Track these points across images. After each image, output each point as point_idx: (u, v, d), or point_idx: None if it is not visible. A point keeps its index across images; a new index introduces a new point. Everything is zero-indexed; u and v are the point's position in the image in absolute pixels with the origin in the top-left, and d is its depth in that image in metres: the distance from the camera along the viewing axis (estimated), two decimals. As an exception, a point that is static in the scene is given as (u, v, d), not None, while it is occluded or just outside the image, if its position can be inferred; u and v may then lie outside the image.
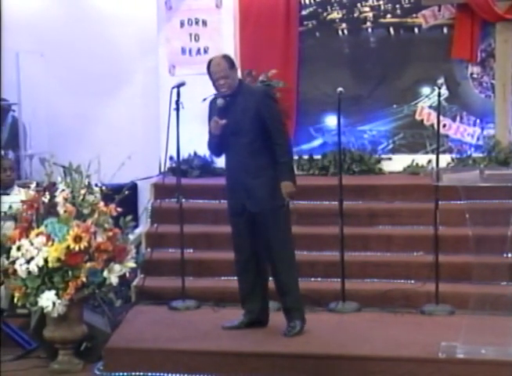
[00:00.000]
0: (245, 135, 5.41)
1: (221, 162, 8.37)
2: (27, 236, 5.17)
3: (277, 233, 5.45)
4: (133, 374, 5.28)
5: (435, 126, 7.39)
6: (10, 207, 5.65)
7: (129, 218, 5.37)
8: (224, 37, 8.47)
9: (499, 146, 7.96)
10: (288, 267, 5.54)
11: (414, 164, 8.21)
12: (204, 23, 8.53)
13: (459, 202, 5.22)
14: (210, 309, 6.28)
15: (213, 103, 5.61)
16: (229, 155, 5.58)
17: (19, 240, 5.17)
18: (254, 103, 5.42)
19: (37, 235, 5.14)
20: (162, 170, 7.30)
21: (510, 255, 5.88)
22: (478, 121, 8.34)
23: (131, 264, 5.32)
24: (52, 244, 5.09)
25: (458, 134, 8.40)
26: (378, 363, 5.07)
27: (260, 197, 5.41)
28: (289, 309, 5.55)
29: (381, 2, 8.47)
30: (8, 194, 6.21)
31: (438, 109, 6.66)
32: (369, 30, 8.52)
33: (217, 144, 5.55)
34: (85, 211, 5.26)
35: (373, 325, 5.82)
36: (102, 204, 5.31)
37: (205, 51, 8.52)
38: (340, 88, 6.25)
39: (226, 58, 5.50)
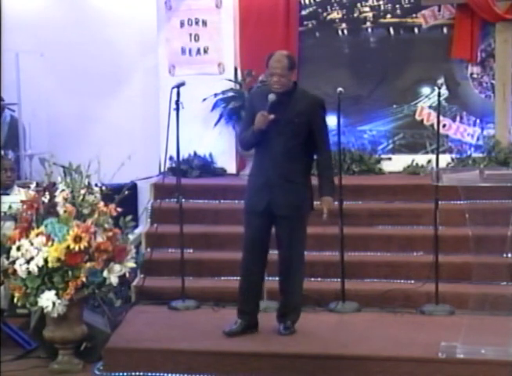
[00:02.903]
0: (289, 138, 5.30)
1: (221, 162, 8.47)
2: (27, 236, 5.16)
3: (298, 239, 5.42)
4: (133, 374, 5.28)
5: (435, 126, 7.40)
6: (10, 207, 5.65)
7: (129, 218, 5.37)
8: (224, 37, 8.47)
9: (499, 146, 7.97)
10: (300, 272, 5.52)
11: (414, 164, 8.22)
12: (204, 23, 8.52)
13: (459, 202, 5.22)
14: (210, 309, 6.28)
15: (256, 94, 5.53)
16: (264, 153, 5.40)
17: (19, 240, 5.17)
18: (309, 109, 5.34)
19: (37, 235, 5.14)
20: (162, 170, 7.30)
21: (510, 255, 5.87)
22: (478, 121, 8.35)
23: (131, 264, 5.32)
24: (52, 244, 5.08)
25: (458, 134, 8.41)
26: (378, 363, 5.07)
27: (290, 201, 5.34)
28: (288, 311, 5.54)
29: (381, 2, 8.47)
30: (8, 194, 6.21)
31: (438, 109, 6.66)
32: (369, 30, 8.53)
33: (255, 138, 5.36)
34: (85, 211, 5.25)
35: (372, 325, 5.82)
36: (102, 204, 5.30)
37: (205, 51, 8.52)
38: (340, 88, 6.26)
39: (289, 57, 5.36)
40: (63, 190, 5.28)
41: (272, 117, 5.24)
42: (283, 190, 5.33)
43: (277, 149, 5.31)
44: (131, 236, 5.57)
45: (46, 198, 5.27)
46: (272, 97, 5.27)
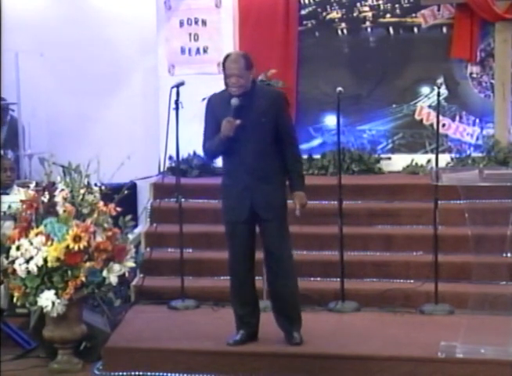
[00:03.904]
0: (260, 139, 5.14)
1: (220, 162, 8.43)
2: (27, 236, 5.17)
3: (285, 241, 5.28)
4: (132, 373, 5.28)
5: (435, 126, 7.41)
6: (9, 206, 5.64)
7: (128, 217, 5.38)
8: (223, 37, 8.47)
9: (499, 146, 7.96)
10: (293, 275, 5.34)
11: (413, 163, 8.21)
12: (204, 22, 8.53)
13: (458, 202, 5.23)
14: (210, 309, 6.29)
15: (215, 99, 5.34)
16: (237, 159, 5.21)
17: (19, 239, 5.17)
18: (272, 106, 5.19)
19: (37, 235, 5.14)
20: (161, 169, 7.30)
21: (509, 255, 5.88)
22: (478, 120, 8.34)
23: (131, 264, 5.31)
24: (52, 244, 5.08)
25: (457, 133, 8.40)
26: (378, 363, 5.07)
27: (272, 203, 5.18)
28: (289, 318, 5.34)
29: (380, 2, 8.47)
30: (7, 194, 6.21)
31: (438, 108, 6.66)
32: (369, 29, 8.53)
33: (223, 146, 5.19)
34: (85, 211, 5.26)
35: (372, 325, 5.83)
36: (101, 203, 5.30)
37: (204, 51, 8.52)
38: (339, 88, 6.25)
39: (245, 57, 5.21)
40: (62, 190, 5.28)
41: (238, 122, 5.06)
42: (263, 193, 5.17)
43: (249, 153, 5.14)
44: (130, 236, 5.57)
45: (46, 198, 5.27)
46: (235, 102, 5.10)
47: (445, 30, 8.34)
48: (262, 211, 5.21)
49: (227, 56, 5.24)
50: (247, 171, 5.17)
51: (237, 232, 5.28)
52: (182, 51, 8.58)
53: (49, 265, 5.07)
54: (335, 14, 8.58)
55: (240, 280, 5.37)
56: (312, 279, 6.54)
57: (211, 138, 5.26)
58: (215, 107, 5.31)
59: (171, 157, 7.34)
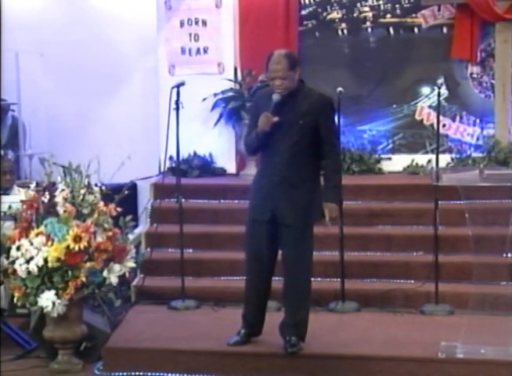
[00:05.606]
0: (295, 141, 4.99)
1: (221, 162, 8.47)
2: (27, 236, 5.16)
3: (302, 250, 5.17)
4: (133, 373, 5.28)
5: (435, 126, 7.41)
6: (10, 206, 5.64)
7: (129, 218, 5.37)
8: (224, 37, 8.48)
9: (499, 146, 7.97)
10: (307, 284, 5.29)
11: (414, 163, 8.22)
12: (204, 22, 8.52)
13: (458, 202, 5.22)
14: (210, 309, 6.28)
15: (260, 94, 5.25)
16: (268, 157, 5.11)
17: (19, 239, 5.17)
18: (315, 109, 5.00)
19: (37, 235, 5.14)
20: (162, 170, 7.30)
21: (509, 255, 5.88)
22: (478, 120, 8.35)
23: (131, 264, 5.31)
24: (52, 244, 5.08)
25: (458, 134, 8.41)
26: (378, 363, 5.08)
27: (295, 208, 5.03)
28: (295, 325, 5.21)
29: (381, 2, 8.48)
30: (7, 194, 6.21)
31: (438, 109, 6.66)
32: (369, 30, 8.54)
33: (258, 141, 5.06)
34: (85, 211, 5.25)
35: (372, 325, 5.83)
36: (101, 203, 5.30)
37: (205, 51, 8.52)
38: (339, 88, 6.25)
39: (288, 57, 4.99)
40: (62, 190, 5.27)
41: (276, 119, 4.93)
42: (287, 197, 5.03)
43: (281, 152, 5.02)
44: (130, 236, 5.56)
45: (46, 198, 5.27)
46: (276, 97, 4.98)
47: (445, 30, 8.35)
48: (281, 215, 5.07)
49: (269, 57, 5.04)
50: (275, 172, 5.05)
51: (256, 231, 5.15)
52: (183, 51, 8.58)
53: (50, 265, 5.07)
54: (335, 14, 8.59)
55: (252, 280, 5.29)
56: (312, 279, 6.48)
57: (252, 133, 5.14)
58: (259, 102, 5.22)
59: (171, 158, 7.34)
